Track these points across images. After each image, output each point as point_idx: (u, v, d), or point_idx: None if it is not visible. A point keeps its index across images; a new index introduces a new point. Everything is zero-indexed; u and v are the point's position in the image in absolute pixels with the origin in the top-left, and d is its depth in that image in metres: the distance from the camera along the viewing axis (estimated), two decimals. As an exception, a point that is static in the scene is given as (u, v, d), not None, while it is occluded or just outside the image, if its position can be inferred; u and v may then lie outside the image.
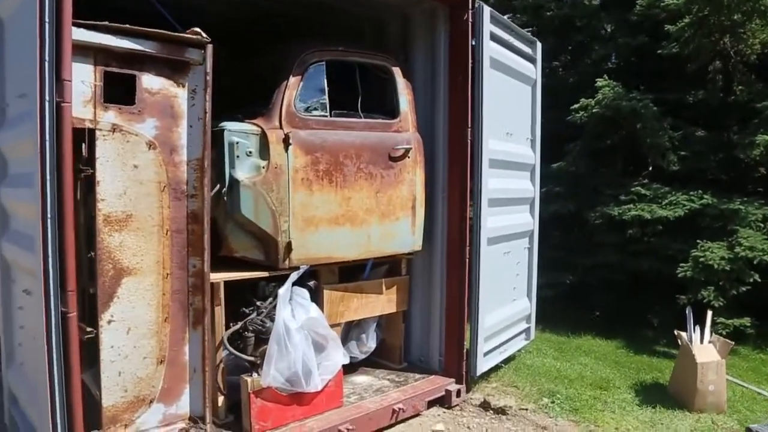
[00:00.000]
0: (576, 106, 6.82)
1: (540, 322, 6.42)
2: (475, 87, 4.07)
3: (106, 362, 2.81)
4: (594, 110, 6.55)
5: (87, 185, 2.78)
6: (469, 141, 4.07)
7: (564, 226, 7.27)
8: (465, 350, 4.15)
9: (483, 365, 4.29)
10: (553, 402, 4.17)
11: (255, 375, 3.26)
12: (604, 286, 6.70)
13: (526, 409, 4.01)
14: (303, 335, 3.34)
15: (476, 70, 4.06)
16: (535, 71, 5.05)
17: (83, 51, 2.64)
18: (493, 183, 4.31)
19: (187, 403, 3.13)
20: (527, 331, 5.19)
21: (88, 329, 2.80)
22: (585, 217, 6.73)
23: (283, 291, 3.29)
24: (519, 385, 4.45)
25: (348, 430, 3.41)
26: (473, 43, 4.05)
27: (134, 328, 2.89)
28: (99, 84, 2.70)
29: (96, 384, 2.84)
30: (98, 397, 2.83)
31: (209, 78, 2.97)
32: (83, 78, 2.66)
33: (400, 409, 3.73)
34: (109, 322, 2.81)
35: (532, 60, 5.01)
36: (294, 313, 3.38)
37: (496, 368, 4.67)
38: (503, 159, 4.51)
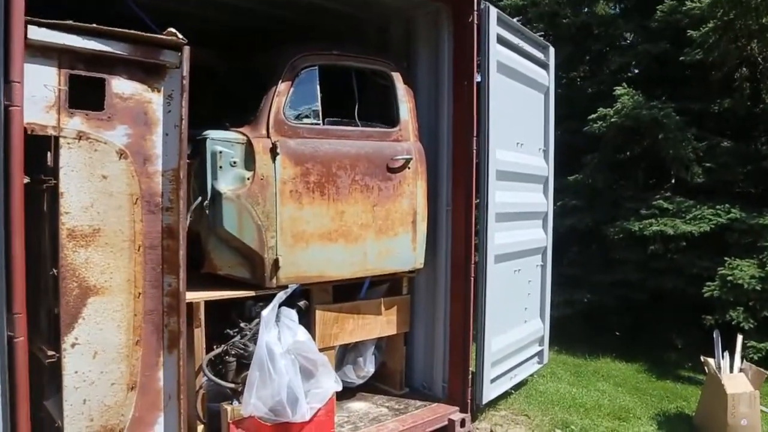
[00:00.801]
0: (594, 115, 6.51)
1: (555, 343, 6.07)
2: (481, 93, 3.82)
3: (70, 389, 2.58)
4: (612, 120, 6.24)
5: (51, 197, 2.58)
6: (474, 151, 3.80)
7: (581, 242, 6.93)
8: (470, 376, 3.84)
9: (490, 392, 3.97)
10: (566, 434, 3.84)
11: (236, 403, 3.00)
12: (624, 306, 6.32)
13: (537, 442, 3.68)
14: (289, 360, 3.07)
15: (482, 75, 3.81)
16: (547, 77, 4.77)
17: (46, 52, 2.44)
18: (501, 196, 4.03)
19: (161, 434, 2.89)
20: (540, 354, 4.85)
21: (50, 353, 2.58)
22: (603, 232, 6.38)
23: (267, 312, 3.04)
24: (530, 414, 4.12)
25: (338, 464, 3.13)
26: (479, 46, 3.79)
27: (101, 352, 2.66)
28: (64, 88, 2.50)
29: (58, 412, 2.61)
30: (60, 427, 2.60)
31: (185, 82, 2.76)
32: (46, 81, 2.45)
33: (396, 441, 3.43)
34: (73, 345, 2.58)
35: (544, 65, 4.73)
36: (280, 336, 3.12)
37: (505, 395, 4.34)
38: (513, 171, 4.23)
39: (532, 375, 4.83)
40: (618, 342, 6.30)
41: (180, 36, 2.72)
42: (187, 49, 2.76)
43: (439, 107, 4.04)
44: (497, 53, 3.90)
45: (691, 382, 5.05)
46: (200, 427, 3.08)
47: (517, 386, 4.56)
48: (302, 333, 3.18)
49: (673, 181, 6.38)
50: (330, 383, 3.29)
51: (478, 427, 3.89)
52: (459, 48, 3.87)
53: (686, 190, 6.17)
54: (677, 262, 5.76)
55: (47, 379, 2.71)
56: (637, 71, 7.54)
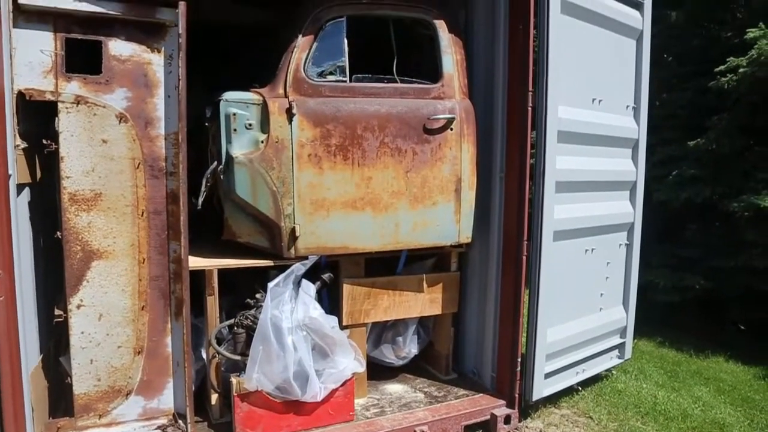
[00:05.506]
0: (722, 67, 5.41)
1: (658, 334, 5.30)
2: (540, 38, 3.23)
3: (77, 348, 2.66)
4: (744, 70, 5.11)
5: (52, 161, 2.62)
6: (529, 108, 3.26)
7: (699, 218, 5.89)
8: (519, 368, 3.39)
9: (543, 388, 3.48)
10: (633, 445, 3.24)
11: (243, 375, 2.90)
12: (749, 296, 5.26)
13: (593, 451, 3.15)
14: (299, 337, 2.90)
15: (540, 16, 3.21)
16: (641, 20, 3.95)
17: (41, 17, 2.46)
18: (565, 162, 3.44)
19: (171, 399, 2.90)
20: (621, 347, 4.17)
21: (57, 312, 2.67)
22: (727, 208, 5.32)
23: (273, 284, 2.88)
24: (594, 417, 3.55)
25: (349, 450, 2.92)
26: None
27: (106, 315, 2.70)
28: (60, 53, 2.50)
29: (69, 370, 2.70)
30: (70, 384, 2.70)
31: (182, 40, 2.63)
32: (42, 46, 2.48)
33: None
34: (79, 306, 2.65)
35: (637, 5, 3.92)
36: (294, 310, 2.95)
37: (570, 391, 3.79)
38: (585, 132, 3.58)
39: (609, 371, 4.18)
40: (737, 338, 5.29)
41: (173, -10, 2.58)
42: (183, 5, 2.62)
43: (495, 59, 3.52)
44: (562, -11, 3.27)
45: (830, 397, 4.04)
46: (214, 397, 3.05)
47: (591, 382, 3.98)
48: (315, 308, 2.98)
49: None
50: (348, 363, 3.07)
51: (528, 426, 3.43)
52: (514, -15, 3.31)
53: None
54: (824, 247, 4.63)
55: (61, 338, 2.83)
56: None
